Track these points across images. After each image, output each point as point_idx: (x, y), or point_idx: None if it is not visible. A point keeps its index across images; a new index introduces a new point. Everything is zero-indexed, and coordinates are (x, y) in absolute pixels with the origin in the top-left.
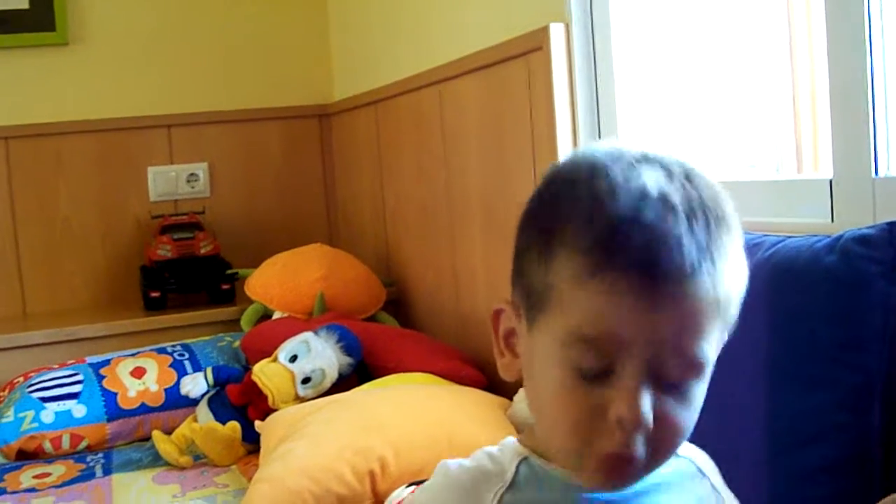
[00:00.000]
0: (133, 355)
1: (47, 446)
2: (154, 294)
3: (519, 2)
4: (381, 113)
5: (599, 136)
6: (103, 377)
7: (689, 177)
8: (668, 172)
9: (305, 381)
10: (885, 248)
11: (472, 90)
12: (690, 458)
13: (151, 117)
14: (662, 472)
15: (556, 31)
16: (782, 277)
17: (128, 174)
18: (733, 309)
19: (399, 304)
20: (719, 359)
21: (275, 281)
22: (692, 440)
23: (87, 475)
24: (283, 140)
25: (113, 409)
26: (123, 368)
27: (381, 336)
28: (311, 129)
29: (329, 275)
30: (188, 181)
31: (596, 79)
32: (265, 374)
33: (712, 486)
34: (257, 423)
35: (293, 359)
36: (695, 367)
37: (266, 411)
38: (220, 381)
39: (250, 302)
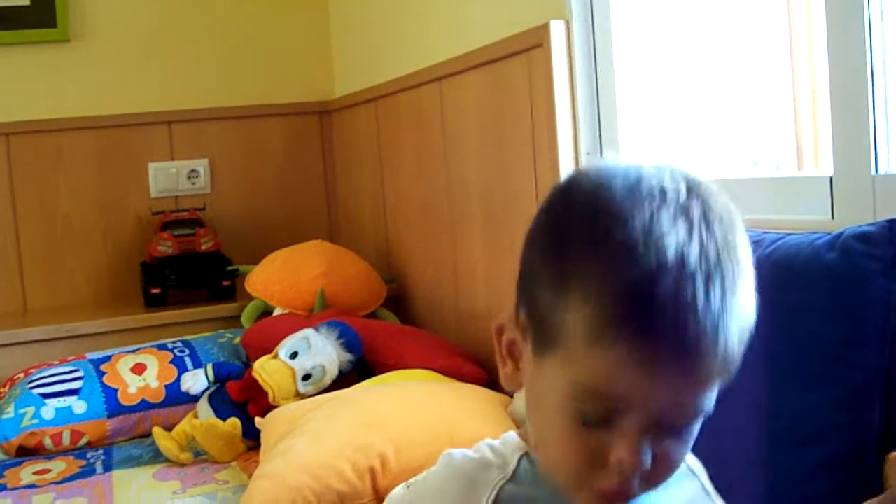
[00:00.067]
0: (133, 352)
1: (48, 443)
2: (154, 290)
3: None
4: (381, 109)
5: (600, 135)
6: (104, 373)
7: (706, 216)
8: (687, 218)
9: (306, 377)
10: (886, 246)
11: (473, 87)
12: None
13: (152, 113)
14: None
15: (557, 28)
16: (782, 275)
17: (128, 170)
18: (739, 356)
19: (399, 301)
20: None
21: (275, 277)
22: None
23: (88, 472)
24: (284, 137)
25: (113, 406)
26: (124, 365)
27: (381, 333)
28: (311, 126)
29: (329, 271)
30: (189, 177)
31: (596, 76)
32: (266, 370)
33: (703, 486)
34: (258, 419)
35: (294, 355)
36: (696, 416)
37: (266, 408)
38: (221, 378)
39: (251, 298)
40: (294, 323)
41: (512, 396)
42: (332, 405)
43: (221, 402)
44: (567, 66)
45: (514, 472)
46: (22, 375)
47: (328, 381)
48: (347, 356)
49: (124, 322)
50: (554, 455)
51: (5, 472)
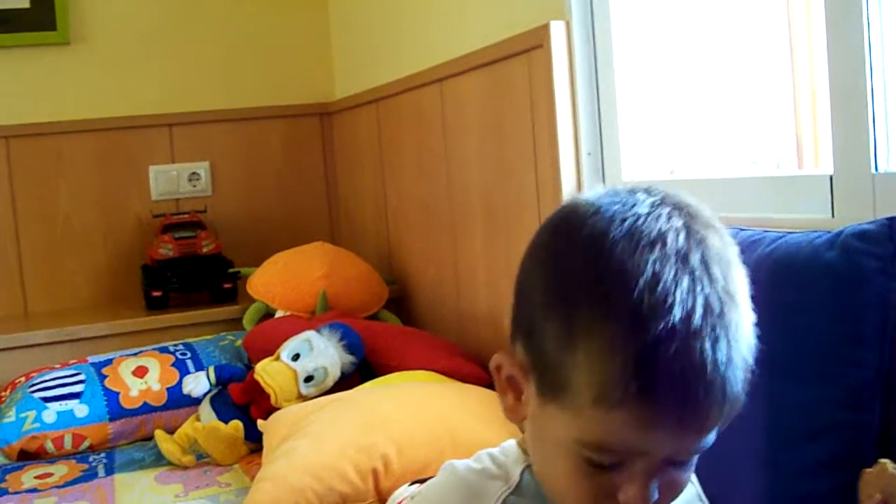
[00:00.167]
0: (135, 355)
1: (49, 446)
2: (156, 293)
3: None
4: (382, 111)
5: (600, 135)
6: (105, 377)
7: (705, 262)
8: (688, 268)
9: (308, 379)
10: (886, 244)
11: (473, 88)
12: None
13: (153, 116)
14: None
15: (557, 29)
16: (782, 273)
17: (129, 173)
18: (741, 399)
19: (401, 302)
20: None
21: (277, 279)
22: None
23: (90, 475)
24: (285, 138)
25: (115, 409)
26: (125, 368)
27: (383, 334)
28: (312, 128)
29: (331, 273)
30: (190, 180)
31: (597, 76)
32: (267, 372)
33: (697, 493)
34: (260, 421)
35: (296, 357)
36: (699, 451)
37: (269, 410)
38: (223, 380)
39: (252, 301)
40: (296, 325)
41: None
42: (335, 407)
43: (223, 405)
44: (567, 66)
45: (518, 484)
46: (23, 379)
47: (330, 382)
48: (349, 358)
49: (125, 325)
50: (561, 489)
51: (7, 477)
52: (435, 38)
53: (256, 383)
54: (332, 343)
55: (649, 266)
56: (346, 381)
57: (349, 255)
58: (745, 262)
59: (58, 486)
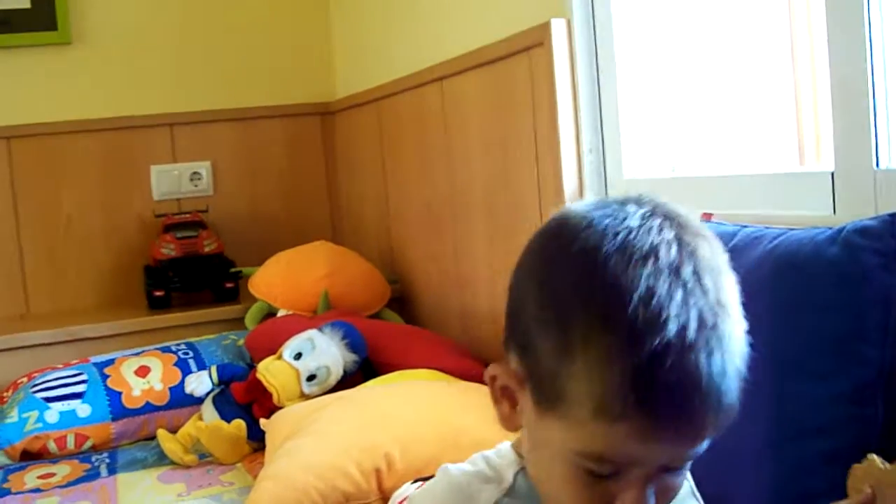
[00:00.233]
0: (137, 354)
1: (52, 446)
2: (158, 293)
3: None
4: (383, 110)
5: (602, 133)
6: (107, 376)
7: (697, 273)
8: (681, 281)
9: (310, 378)
10: (888, 240)
11: (474, 87)
12: None
13: (154, 116)
14: None
15: (558, 27)
16: (785, 270)
17: (131, 173)
18: (735, 406)
19: (403, 301)
20: None
21: (279, 279)
22: None
23: (92, 475)
24: (286, 138)
25: (117, 409)
26: (128, 368)
27: (385, 333)
28: (313, 127)
29: (333, 272)
30: (191, 180)
31: (598, 74)
32: (270, 371)
33: (690, 487)
34: (262, 420)
35: (298, 356)
36: (693, 458)
37: (271, 409)
38: (225, 380)
39: (254, 300)
40: (298, 324)
41: None
42: (337, 406)
43: (226, 404)
44: (568, 64)
45: (511, 486)
46: (25, 379)
47: (333, 381)
48: (352, 357)
49: (128, 325)
50: (558, 497)
51: (10, 477)
52: (436, 37)
53: (259, 382)
54: (335, 342)
55: (643, 280)
56: (349, 380)
57: (351, 255)
58: (747, 260)
59: (60, 486)
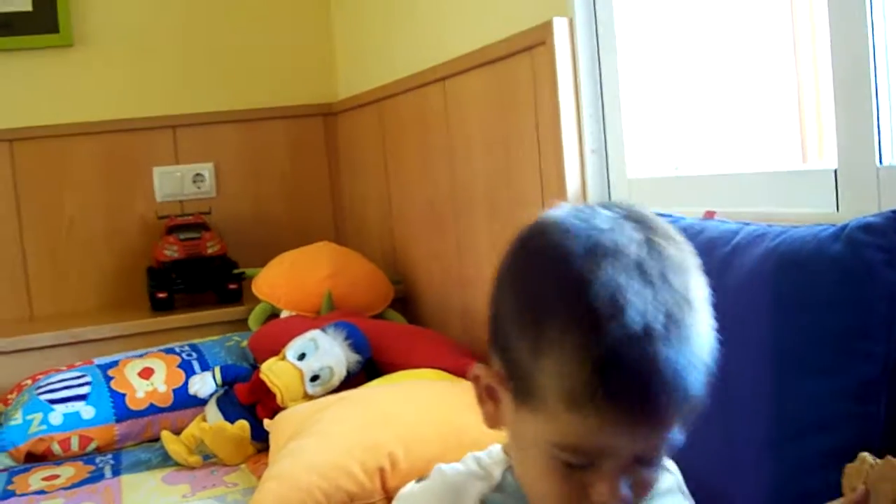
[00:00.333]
0: (141, 356)
1: (56, 448)
2: (161, 295)
3: None
4: (385, 111)
5: (604, 132)
6: (111, 378)
7: (661, 270)
8: (645, 277)
9: (314, 379)
10: (891, 236)
11: (476, 86)
12: None
13: (156, 118)
14: None
15: (560, 26)
16: (788, 267)
17: (133, 175)
18: (703, 396)
19: (407, 302)
20: (725, 349)
21: (282, 280)
22: (698, 427)
23: (97, 476)
24: (289, 139)
25: (121, 410)
26: (131, 369)
27: (389, 333)
28: (316, 128)
29: (336, 273)
30: (194, 181)
31: (600, 73)
32: (273, 372)
33: (678, 482)
34: (266, 421)
35: (301, 357)
36: (666, 448)
37: (275, 410)
38: (229, 381)
39: (258, 301)
40: (301, 325)
41: None
42: (341, 406)
43: (230, 405)
44: (571, 63)
45: (500, 483)
46: (29, 382)
47: (336, 381)
48: (355, 357)
49: (131, 327)
50: (538, 490)
51: (14, 479)
52: (437, 37)
53: (262, 383)
54: (338, 342)
55: (607, 275)
56: (352, 381)
57: (354, 255)
58: (750, 257)
59: (65, 488)
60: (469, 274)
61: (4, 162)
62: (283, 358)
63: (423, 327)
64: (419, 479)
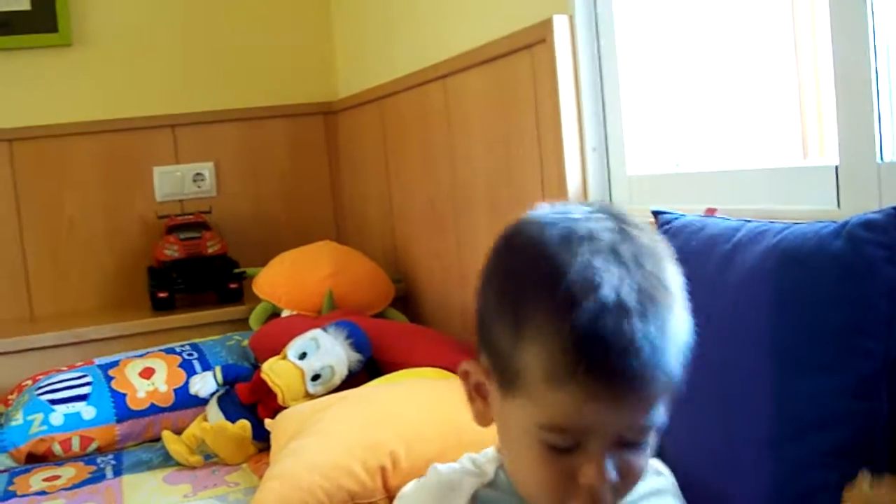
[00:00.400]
0: (141, 356)
1: (57, 449)
2: (162, 294)
3: None
4: (386, 109)
5: (605, 130)
6: (112, 378)
7: (634, 254)
8: (618, 259)
9: (315, 378)
10: (892, 233)
11: (477, 84)
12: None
13: (156, 117)
14: None
15: (560, 23)
16: (789, 264)
17: (133, 175)
18: (679, 375)
19: (408, 300)
20: (727, 347)
21: (283, 279)
22: (699, 425)
23: (98, 477)
24: (289, 138)
25: (122, 410)
26: (132, 369)
27: (390, 332)
28: (316, 127)
29: (337, 272)
30: (194, 181)
31: (600, 70)
32: (274, 371)
33: (671, 484)
34: (267, 420)
35: (302, 356)
36: (649, 430)
37: (276, 409)
38: (229, 380)
39: (258, 301)
40: (302, 324)
41: None
42: (342, 405)
43: (231, 405)
44: (571, 61)
45: (493, 480)
46: (30, 382)
47: (337, 381)
48: (356, 356)
49: (132, 327)
50: (528, 479)
51: (15, 480)
52: (437, 36)
53: (263, 383)
54: (339, 341)
55: (581, 256)
56: (354, 380)
57: (355, 254)
58: (751, 254)
59: (66, 489)
60: (470, 272)
61: (4, 162)
62: (284, 357)
63: (425, 326)
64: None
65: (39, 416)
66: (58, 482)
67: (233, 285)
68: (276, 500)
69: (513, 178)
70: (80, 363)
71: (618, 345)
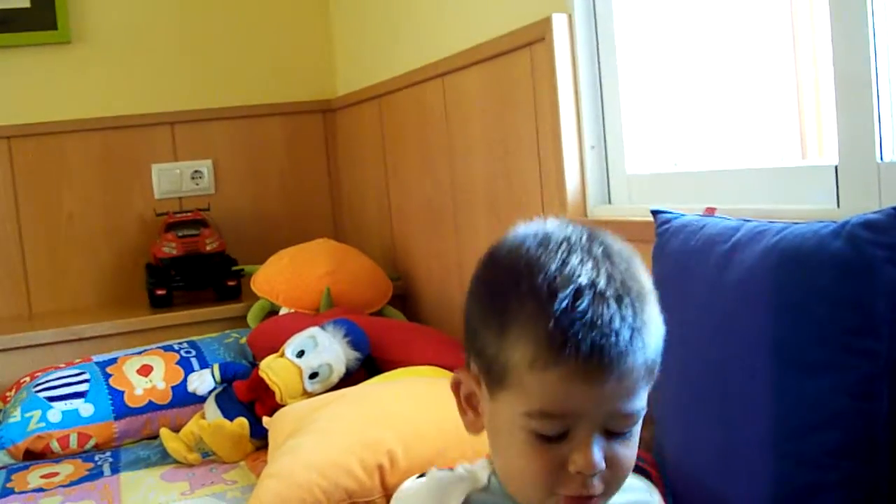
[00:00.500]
0: (139, 353)
1: (55, 446)
2: (160, 292)
3: None
4: (384, 107)
5: (604, 128)
6: (110, 375)
7: (606, 253)
8: (592, 257)
9: (313, 376)
10: (892, 233)
11: (476, 82)
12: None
13: (155, 115)
14: None
15: (559, 22)
16: (788, 264)
17: (132, 172)
18: (658, 363)
19: (406, 298)
20: (726, 347)
21: (281, 277)
22: (698, 425)
23: (96, 474)
24: (288, 136)
25: (120, 408)
26: (130, 367)
27: (388, 330)
28: (315, 125)
29: (335, 270)
30: (192, 178)
31: (599, 69)
32: (272, 369)
33: (657, 500)
34: (265, 418)
35: (300, 354)
36: (634, 418)
37: (274, 407)
38: (227, 378)
39: (256, 298)
40: (300, 322)
41: None
42: (340, 403)
43: (228, 402)
44: (570, 59)
45: (486, 485)
46: (28, 379)
47: (335, 379)
48: (354, 354)
49: (130, 324)
50: (518, 472)
51: (13, 476)
52: (436, 33)
53: (261, 380)
54: (337, 339)
55: (558, 255)
56: (352, 378)
57: (353, 252)
58: (751, 254)
59: (63, 486)
60: (468, 269)
61: (3, 159)
62: (282, 355)
63: (423, 324)
64: (420, 476)
65: (37, 413)
66: (56, 479)
67: (231, 283)
68: (274, 499)
69: (511, 176)
70: (78, 360)
71: (597, 326)
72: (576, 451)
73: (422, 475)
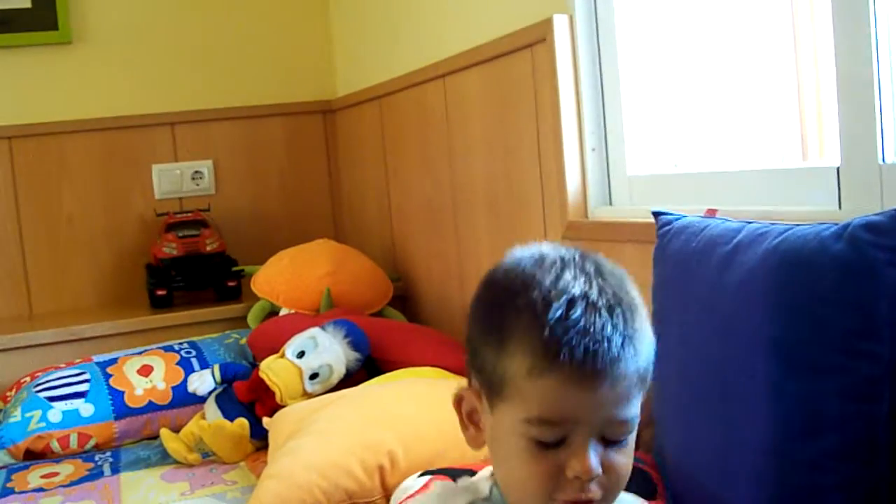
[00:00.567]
0: (140, 353)
1: (55, 446)
2: (160, 292)
3: None
4: (385, 108)
5: (605, 130)
6: (110, 376)
7: (599, 271)
8: (584, 273)
9: (313, 376)
10: (894, 235)
11: (476, 83)
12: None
13: (155, 115)
14: None
15: (560, 23)
16: (790, 266)
17: (132, 172)
18: (650, 372)
19: (406, 299)
20: (727, 349)
21: (281, 277)
22: (699, 427)
23: (96, 474)
24: (288, 136)
25: (120, 408)
26: (130, 367)
27: (388, 331)
28: (315, 125)
29: (336, 270)
30: (193, 178)
31: (600, 70)
32: (272, 370)
33: None
34: (265, 419)
35: (300, 355)
36: (628, 426)
37: (274, 408)
38: (228, 378)
39: (257, 299)
40: (300, 322)
41: None
42: (340, 404)
43: (229, 403)
44: (571, 60)
45: (488, 496)
46: (28, 379)
47: (335, 379)
48: (354, 355)
49: (130, 324)
50: (518, 479)
51: (13, 476)
52: (437, 34)
53: (261, 381)
54: (337, 340)
55: (552, 272)
56: (352, 379)
57: (353, 253)
58: (752, 256)
59: (63, 486)
60: (469, 271)
61: (3, 159)
62: (283, 356)
63: (423, 325)
64: (421, 474)
65: (38, 413)
66: (56, 479)
67: (231, 283)
68: (274, 499)
69: (512, 177)
70: (78, 360)
71: (589, 333)
72: (573, 456)
73: (422, 473)
